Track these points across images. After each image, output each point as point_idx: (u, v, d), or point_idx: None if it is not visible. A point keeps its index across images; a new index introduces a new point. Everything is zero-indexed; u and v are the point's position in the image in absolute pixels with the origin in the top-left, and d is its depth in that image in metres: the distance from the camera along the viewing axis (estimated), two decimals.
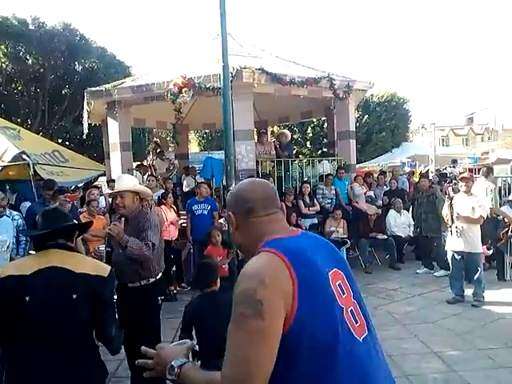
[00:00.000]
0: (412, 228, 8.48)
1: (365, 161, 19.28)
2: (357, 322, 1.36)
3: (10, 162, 7.77)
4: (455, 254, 6.02)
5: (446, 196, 6.11)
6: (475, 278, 5.94)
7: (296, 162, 9.50)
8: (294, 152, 20.64)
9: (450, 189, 6.09)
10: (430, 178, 10.67)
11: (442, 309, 5.80)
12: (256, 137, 9.25)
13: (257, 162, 8.42)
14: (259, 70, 7.68)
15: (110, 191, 5.76)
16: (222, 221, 7.32)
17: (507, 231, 7.06)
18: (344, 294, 1.37)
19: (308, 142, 21.09)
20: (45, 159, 8.90)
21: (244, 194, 1.51)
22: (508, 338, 4.69)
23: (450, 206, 6.00)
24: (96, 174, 10.78)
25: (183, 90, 7.75)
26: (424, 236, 7.89)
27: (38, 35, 14.12)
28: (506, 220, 7.14)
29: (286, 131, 10.28)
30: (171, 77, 7.95)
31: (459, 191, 6.20)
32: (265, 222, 1.46)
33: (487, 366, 4.12)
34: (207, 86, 7.48)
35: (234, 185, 5.41)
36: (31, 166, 7.69)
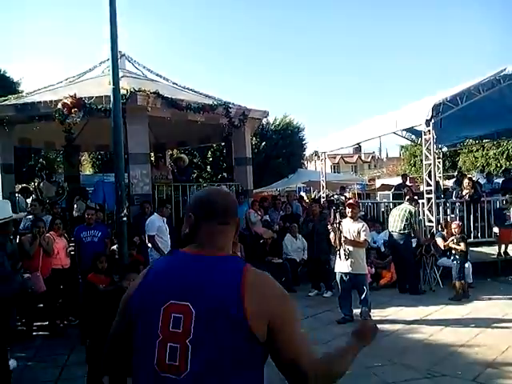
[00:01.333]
0: (306, 251, 8.79)
1: (263, 186, 19.85)
2: (171, 361, 1.30)
3: None
4: (343, 276, 6.33)
5: (333, 221, 6.40)
6: (362, 297, 6.28)
7: (194, 186, 9.43)
8: (195, 176, 20.71)
9: (337, 214, 6.40)
10: (322, 203, 11.23)
11: (333, 329, 6.03)
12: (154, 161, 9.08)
13: (153, 186, 8.22)
14: (154, 93, 7.60)
15: None
16: (114, 247, 6.94)
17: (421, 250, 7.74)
18: (177, 328, 1.31)
19: (208, 166, 21.23)
20: None
21: None
22: (392, 355, 4.98)
23: (338, 229, 6.28)
24: None
25: (73, 111, 7.37)
26: (316, 258, 8.20)
27: None
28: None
29: (183, 156, 10.23)
30: (61, 96, 7.53)
31: (346, 216, 6.56)
32: None
33: (372, 383, 4.32)
34: (98, 108, 7.19)
35: (125, 210, 5.19)
36: None
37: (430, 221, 8.75)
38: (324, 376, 1.38)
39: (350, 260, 6.17)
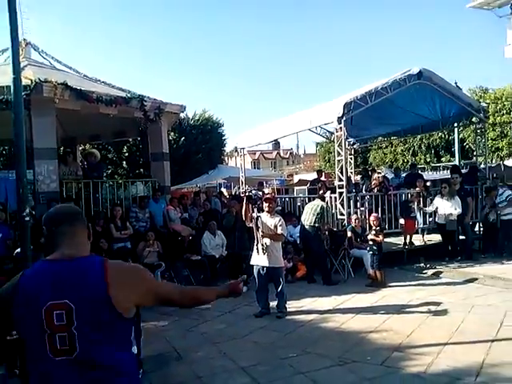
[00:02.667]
0: (224, 248, 8.78)
1: (183, 182, 19.54)
2: (64, 346, 1.63)
3: None
4: (260, 269, 6.41)
5: (251, 215, 6.45)
6: (278, 290, 6.42)
7: (107, 183, 9.02)
8: (109, 172, 19.83)
9: (255, 209, 6.46)
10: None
11: (250, 323, 6.10)
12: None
13: (61, 183, 7.73)
14: (62, 84, 7.14)
15: None
16: (18, 250, 6.43)
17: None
18: (61, 321, 1.63)
19: (124, 162, 20.44)
20: None
21: None
22: (307, 344, 5.14)
23: (256, 224, 6.36)
24: None
25: None
26: (236, 254, 8.23)
27: None
28: None
29: (94, 151, 9.72)
30: None
31: (263, 211, 6.65)
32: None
33: (288, 373, 4.41)
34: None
35: (28, 210, 4.80)
36: None
37: (342, 214, 9.14)
38: (191, 298, 2.02)
39: (267, 254, 6.25)
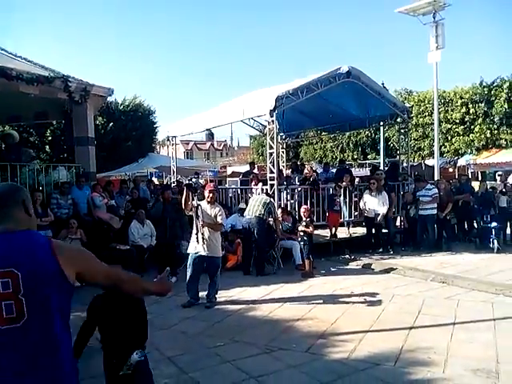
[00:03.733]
0: (154, 237, 8.56)
1: (112, 169, 18.82)
2: (10, 314, 1.66)
3: None
4: (197, 258, 6.31)
5: (191, 204, 6.30)
6: (213, 279, 6.38)
7: (27, 167, 8.42)
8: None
9: (195, 198, 6.31)
10: (172, 188, 11.07)
11: (178, 313, 6.00)
12: None
13: None
14: None
15: None
16: None
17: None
18: (7, 289, 1.66)
19: (47, 146, 19.28)
20: None
21: None
22: (235, 333, 5.15)
23: (196, 213, 6.19)
24: None
25: None
26: (167, 243, 8.03)
27: None
28: None
29: (12, 132, 9.03)
30: None
31: (202, 199, 6.51)
32: None
33: (215, 362, 4.39)
34: None
35: None
36: None
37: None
38: (136, 285, 2.12)
39: (206, 243, 6.18)
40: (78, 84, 8.26)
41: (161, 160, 20.35)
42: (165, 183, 18.92)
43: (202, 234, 6.17)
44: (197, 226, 6.22)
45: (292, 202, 10.46)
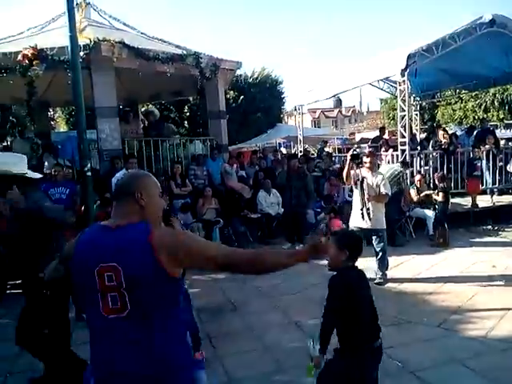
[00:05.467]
0: (280, 206, 8.76)
1: (242, 141, 19.59)
2: (114, 305, 1.74)
3: None
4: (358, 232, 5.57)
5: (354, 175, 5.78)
6: (381, 254, 5.91)
7: (167, 141, 9.20)
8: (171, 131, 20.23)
9: (359, 169, 5.73)
10: (299, 158, 11.13)
11: (303, 280, 6.07)
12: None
13: (123, 141, 7.99)
14: (120, 43, 7.24)
15: None
16: None
17: None
18: (111, 282, 1.73)
19: (186, 122, 20.76)
20: None
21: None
22: None
23: (361, 186, 5.70)
24: None
25: (34, 63, 6.99)
26: (292, 212, 8.16)
27: None
28: None
29: (154, 109, 9.93)
30: (21, 48, 7.12)
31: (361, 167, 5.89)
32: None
33: None
34: (61, 59, 6.80)
35: (89, 165, 5.01)
36: None
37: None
38: (260, 263, 1.87)
39: (370, 216, 5.71)
40: (208, 60, 8.64)
41: (288, 130, 20.55)
42: (293, 152, 19.11)
43: (368, 209, 5.67)
44: (363, 201, 5.70)
45: (426, 168, 9.78)
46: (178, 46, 8.81)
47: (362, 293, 2.70)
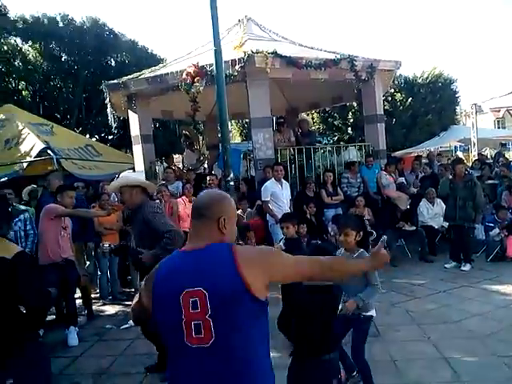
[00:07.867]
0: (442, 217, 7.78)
1: (410, 146, 18.32)
2: (198, 334, 1.65)
3: (35, 157, 7.97)
4: None
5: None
6: None
7: (318, 149, 9.03)
8: (336, 139, 20.03)
9: None
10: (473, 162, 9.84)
11: (467, 307, 5.24)
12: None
13: (276, 150, 8.10)
14: (272, 53, 7.31)
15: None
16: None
17: None
18: (196, 309, 1.65)
19: (349, 128, 20.34)
20: (77, 154, 9.11)
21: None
22: None
23: None
24: (127, 167, 10.85)
25: (196, 79, 7.54)
26: (457, 226, 7.17)
27: (68, 32, 14.39)
28: None
29: (307, 118, 9.90)
30: (185, 66, 7.77)
31: None
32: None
33: (501, 375, 3.60)
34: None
35: (232, 175, 5.14)
36: (54, 160, 7.83)
37: None
38: (334, 270, 1.92)
39: None
40: (363, 62, 8.25)
41: (465, 132, 18.47)
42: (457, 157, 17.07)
43: None
44: None
45: None
46: (329, 51, 8.60)
47: None
